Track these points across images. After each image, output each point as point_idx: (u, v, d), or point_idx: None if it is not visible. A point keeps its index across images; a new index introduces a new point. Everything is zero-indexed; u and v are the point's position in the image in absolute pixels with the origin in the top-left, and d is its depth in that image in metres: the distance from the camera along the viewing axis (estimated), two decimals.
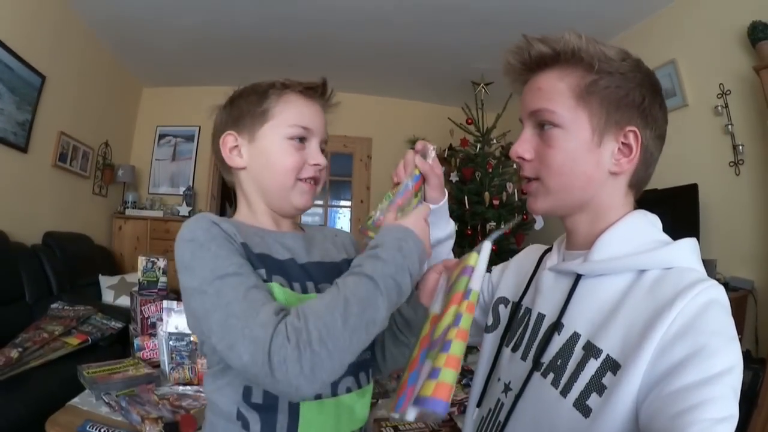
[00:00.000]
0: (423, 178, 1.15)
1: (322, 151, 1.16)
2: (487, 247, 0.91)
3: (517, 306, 1.11)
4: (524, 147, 0.96)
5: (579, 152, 0.91)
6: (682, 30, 4.19)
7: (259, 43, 5.30)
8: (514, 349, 1.05)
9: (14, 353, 2.76)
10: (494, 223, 4.65)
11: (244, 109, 1.12)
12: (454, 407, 2.00)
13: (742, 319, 3.34)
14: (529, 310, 1.06)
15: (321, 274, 1.08)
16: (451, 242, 1.30)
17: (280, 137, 1.08)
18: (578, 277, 0.93)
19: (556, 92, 0.92)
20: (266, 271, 0.97)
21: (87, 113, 5.29)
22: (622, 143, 0.91)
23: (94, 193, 5.61)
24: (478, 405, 1.12)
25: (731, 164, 3.70)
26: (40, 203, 4.62)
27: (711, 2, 3.92)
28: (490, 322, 1.19)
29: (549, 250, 1.12)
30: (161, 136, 6.59)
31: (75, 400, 1.86)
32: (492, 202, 4.78)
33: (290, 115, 1.09)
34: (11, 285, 3.66)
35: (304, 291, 1.03)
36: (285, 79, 1.13)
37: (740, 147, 3.65)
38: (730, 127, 3.71)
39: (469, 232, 4.73)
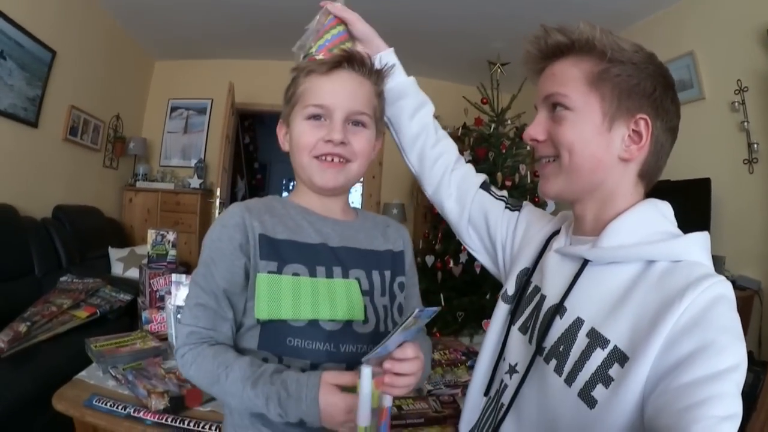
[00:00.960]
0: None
1: (361, 124, 1.13)
2: (365, 374, 0.88)
3: (526, 282, 1.12)
4: (537, 129, 1.00)
5: (589, 134, 0.93)
6: (703, 22, 4.13)
7: (271, 16, 5.21)
8: (523, 331, 1.06)
9: (23, 327, 2.76)
10: None
11: (284, 98, 1.18)
12: (458, 389, 2.01)
13: (747, 320, 3.32)
14: (538, 289, 1.07)
15: (354, 260, 1.14)
16: (426, 109, 1.46)
17: (301, 119, 1.11)
18: (585, 263, 0.94)
19: (569, 77, 0.95)
20: (279, 263, 1.05)
21: (98, 87, 5.26)
22: (633, 130, 0.92)
23: (104, 165, 5.60)
24: (486, 391, 1.14)
25: (745, 162, 3.67)
26: (51, 177, 4.62)
27: None
28: (511, 291, 1.18)
29: (557, 232, 1.13)
30: (173, 109, 6.57)
31: (82, 374, 1.85)
32: (504, 183, 4.73)
33: (308, 95, 1.11)
34: (21, 259, 3.68)
35: (329, 275, 1.09)
36: (312, 62, 1.14)
37: (755, 145, 3.61)
38: (746, 124, 3.67)
39: None
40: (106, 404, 1.57)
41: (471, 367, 2.13)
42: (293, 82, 1.15)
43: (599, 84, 0.92)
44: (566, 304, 0.94)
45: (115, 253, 4.84)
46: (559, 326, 0.92)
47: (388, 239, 1.25)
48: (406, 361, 0.94)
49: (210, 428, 1.51)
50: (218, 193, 5.51)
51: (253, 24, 5.46)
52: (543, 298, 1.02)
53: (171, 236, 2.68)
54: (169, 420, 1.53)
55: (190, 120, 6.56)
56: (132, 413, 1.55)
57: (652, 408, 0.72)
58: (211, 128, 6.53)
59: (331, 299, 1.05)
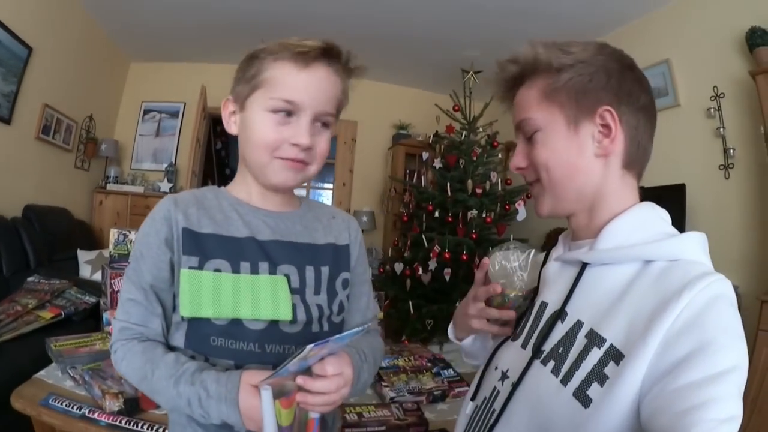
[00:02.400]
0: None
1: (325, 125, 1.09)
2: (265, 397, 0.88)
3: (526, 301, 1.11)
4: (518, 158, 1.02)
5: (560, 145, 0.94)
6: (679, 30, 4.21)
7: (248, 20, 5.25)
8: (514, 339, 1.05)
9: None
10: (476, 212, 4.64)
11: (239, 74, 1.08)
12: (423, 396, 1.99)
13: None
14: (533, 302, 1.06)
15: (285, 254, 1.10)
16: None
17: (262, 109, 1.03)
18: (584, 266, 0.94)
19: (528, 101, 0.98)
20: (201, 258, 1.03)
21: (73, 86, 5.25)
22: (601, 125, 0.92)
23: (76, 167, 5.59)
24: (473, 397, 1.10)
25: (721, 167, 3.75)
26: (22, 176, 4.59)
27: (710, 5, 3.94)
28: None
29: (555, 244, 1.12)
30: (146, 112, 6.56)
31: (41, 373, 1.86)
32: (475, 190, 4.75)
33: (277, 85, 1.02)
34: None
35: (255, 271, 1.05)
36: (283, 40, 1.04)
37: (731, 151, 3.69)
38: (721, 130, 3.76)
39: (450, 220, 4.70)
40: (62, 404, 1.59)
41: (437, 375, 2.15)
42: (257, 60, 1.04)
43: (554, 95, 0.94)
44: (567, 308, 0.93)
45: (83, 256, 4.80)
46: (560, 330, 0.91)
47: (331, 232, 1.21)
48: (323, 378, 0.93)
49: None
50: None
51: (229, 28, 5.48)
52: (544, 305, 1.01)
53: (133, 236, 2.65)
54: (123, 422, 1.54)
55: (162, 123, 6.56)
56: (87, 414, 1.56)
57: (649, 409, 0.71)
58: (183, 132, 6.53)
59: (254, 297, 1.01)
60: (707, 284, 0.75)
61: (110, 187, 5.96)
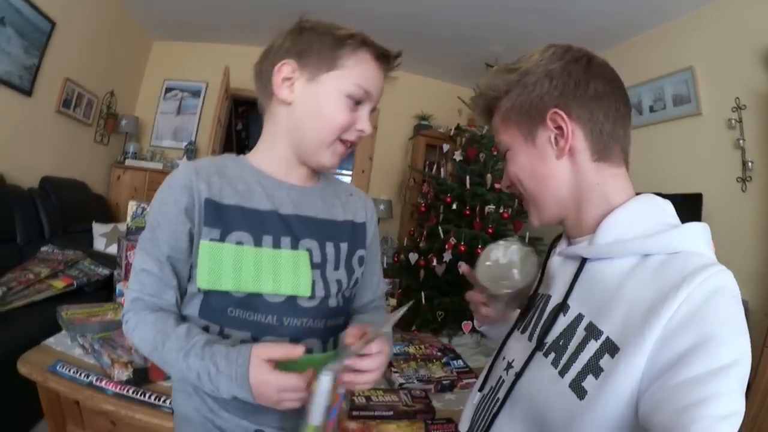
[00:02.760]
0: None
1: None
2: (324, 382, 0.88)
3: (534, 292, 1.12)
4: (504, 178, 1.08)
5: (524, 159, 0.99)
6: (705, 39, 4.14)
7: (273, 4, 5.21)
8: (522, 330, 1.06)
9: None
10: (493, 207, 4.61)
11: (315, 46, 1.08)
12: (431, 385, 1.97)
13: None
14: (539, 295, 1.07)
15: (306, 229, 1.11)
16: None
17: (340, 91, 1.06)
18: (584, 261, 0.93)
19: (495, 126, 1.05)
20: (223, 230, 1.03)
21: (94, 62, 5.24)
22: (555, 128, 0.94)
23: (95, 141, 5.59)
24: (481, 388, 1.12)
25: (738, 180, 3.69)
26: (40, 148, 4.60)
27: (737, 17, 3.88)
28: None
29: (560, 236, 1.13)
30: (168, 90, 6.55)
31: (50, 340, 1.85)
32: (493, 185, 4.73)
33: (359, 73, 1.07)
34: (3, 226, 3.67)
35: (277, 245, 1.06)
36: (364, 35, 1.10)
37: (750, 163, 3.63)
38: (741, 142, 3.70)
39: (467, 213, 4.69)
40: (69, 371, 1.57)
41: (446, 365, 2.13)
42: (339, 42, 1.07)
43: (509, 115, 0.99)
44: (569, 302, 0.94)
45: (98, 229, 4.82)
46: (562, 322, 0.92)
47: (349, 209, 1.23)
48: (369, 356, 0.95)
49: (171, 404, 1.48)
50: None
51: (254, 9, 5.44)
52: (548, 298, 1.02)
53: None
54: (130, 391, 1.53)
55: (183, 102, 6.54)
56: (94, 381, 1.54)
57: (649, 405, 0.71)
58: (204, 111, 6.51)
59: (276, 272, 1.03)
60: (707, 276, 0.74)
61: (129, 162, 5.95)
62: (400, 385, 1.92)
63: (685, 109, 4.22)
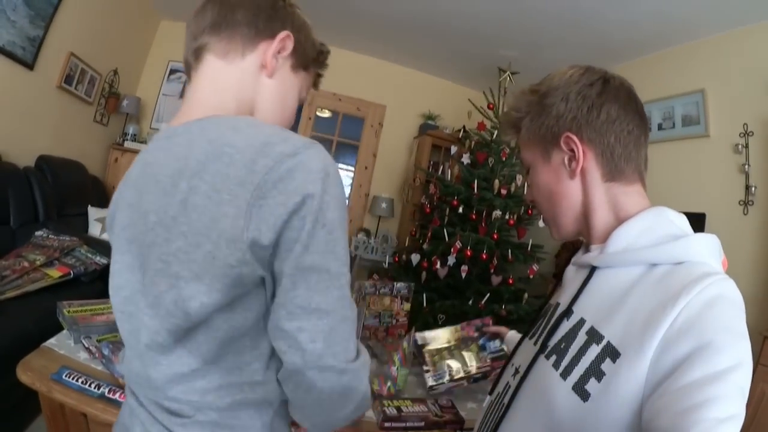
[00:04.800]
0: None
1: None
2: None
3: (545, 303, 1.16)
4: (527, 193, 1.21)
5: (541, 177, 1.05)
6: (719, 64, 4.24)
7: None
8: (531, 337, 1.09)
9: None
10: (500, 212, 4.59)
11: (306, 39, 1.03)
12: (464, 380, 1.97)
13: None
14: (551, 304, 1.10)
15: None
16: None
17: (300, 93, 1.07)
18: (593, 269, 0.97)
19: (521, 143, 1.10)
20: None
21: (100, 38, 5.08)
22: (568, 150, 0.99)
23: (95, 120, 5.43)
24: (491, 392, 1.16)
25: (741, 203, 3.82)
26: (39, 124, 4.45)
27: (752, 46, 4.00)
28: None
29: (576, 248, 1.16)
30: (172, 71, 6.40)
31: (51, 342, 1.70)
32: (500, 191, 4.70)
33: (308, 85, 1.10)
34: None
35: None
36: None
37: (753, 188, 3.76)
38: (746, 166, 3.83)
39: (474, 217, 4.68)
40: (77, 380, 1.43)
41: (482, 349, 2.10)
42: (319, 52, 1.08)
43: (529, 135, 1.05)
44: (573, 307, 0.96)
45: (94, 213, 4.69)
46: (565, 327, 0.95)
47: None
48: None
49: None
50: None
51: None
52: (557, 306, 1.04)
53: None
54: None
55: (188, 85, 6.35)
56: (107, 393, 1.41)
57: (650, 410, 0.72)
58: None
59: None
60: (708, 284, 0.76)
61: (127, 144, 5.78)
62: (431, 387, 1.92)
63: (694, 129, 4.32)
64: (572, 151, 0.98)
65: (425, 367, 1.99)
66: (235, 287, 0.76)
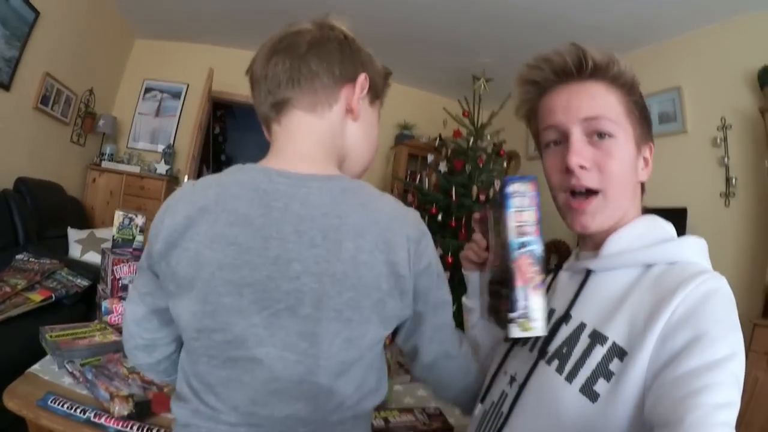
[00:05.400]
0: None
1: None
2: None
3: None
4: (584, 156, 0.95)
5: (629, 163, 0.97)
6: (693, 60, 4.35)
7: (259, 6, 5.14)
8: (523, 344, 1.07)
9: None
10: None
11: (374, 70, 1.04)
12: None
13: None
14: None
15: None
16: None
17: (377, 122, 1.09)
18: (588, 273, 0.98)
19: (610, 103, 0.96)
20: None
21: (76, 57, 5.10)
22: (644, 156, 1.01)
23: (71, 141, 5.41)
24: (482, 400, 1.12)
25: (722, 195, 3.91)
26: (16, 146, 4.44)
27: (725, 40, 4.10)
28: None
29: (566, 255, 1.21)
30: (147, 90, 6.39)
31: (35, 368, 1.70)
32: (479, 196, 4.74)
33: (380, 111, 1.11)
34: None
35: None
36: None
37: (733, 180, 3.85)
38: (726, 159, 3.92)
39: (453, 224, 4.72)
40: (63, 405, 1.43)
41: None
42: (384, 76, 1.10)
43: (631, 113, 0.97)
44: (572, 312, 0.96)
45: (74, 234, 4.66)
46: (564, 332, 0.94)
47: None
48: None
49: None
50: (185, 181, 5.35)
51: (240, 11, 5.36)
52: (551, 312, 1.01)
53: (139, 220, 2.49)
54: (134, 428, 1.41)
55: (163, 103, 6.40)
56: (92, 418, 1.41)
57: (650, 401, 0.73)
58: (184, 114, 6.38)
59: None
60: (702, 281, 0.80)
61: (105, 164, 5.78)
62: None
63: (671, 127, 4.41)
64: (645, 159, 1.02)
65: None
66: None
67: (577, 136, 0.96)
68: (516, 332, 0.88)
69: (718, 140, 3.98)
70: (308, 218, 0.86)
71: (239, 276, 0.84)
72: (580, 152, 0.94)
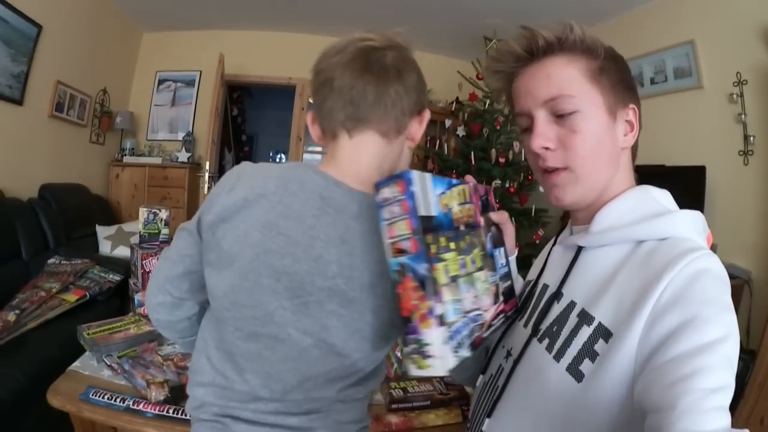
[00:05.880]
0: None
1: None
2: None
3: (533, 284, 1.13)
4: (547, 137, 0.94)
5: (600, 133, 0.93)
6: (706, 13, 4.14)
7: None
8: (520, 319, 1.09)
9: (11, 316, 2.69)
10: (500, 182, 4.60)
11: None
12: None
13: (737, 309, 3.34)
14: (539, 285, 1.09)
15: None
16: None
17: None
18: (579, 249, 0.97)
19: (568, 77, 0.93)
20: None
21: (85, 61, 5.12)
22: (625, 120, 0.96)
23: (91, 141, 5.48)
24: (483, 372, 1.16)
25: (740, 153, 3.75)
26: (37, 156, 4.51)
27: None
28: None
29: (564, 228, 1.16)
30: (161, 81, 6.42)
31: (76, 365, 1.77)
32: (498, 160, 4.71)
33: None
34: (7, 243, 3.58)
35: None
36: None
37: (751, 138, 3.69)
38: (743, 116, 3.75)
39: None
40: (103, 397, 1.50)
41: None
42: None
43: (599, 79, 0.92)
44: (563, 290, 0.96)
45: (102, 231, 4.75)
46: (556, 310, 0.95)
47: None
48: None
49: None
50: (207, 167, 5.47)
51: None
52: (545, 287, 1.04)
53: (163, 214, 2.56)
54: (171, 411, 1.48)
55: (178, 92, 6.43)
56: (131, 405, 1.48)
57: (640, 387, 0.72)
58: (199, 100, 6.40)
59: None
60: (691, 260, 0.76)
61: (127, 159, 5.86)
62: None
63: (687, 82, 4.25)
64: (628, 122, 0.96)
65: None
66: None
67: (542, 119, 0.95)
68: (413, 370, 0.74)
69: (735, 96, 3.80)
70: (353, 230, 0.94)
71: (282, 264, 0.93)
72: (543, 134, 0.94)
